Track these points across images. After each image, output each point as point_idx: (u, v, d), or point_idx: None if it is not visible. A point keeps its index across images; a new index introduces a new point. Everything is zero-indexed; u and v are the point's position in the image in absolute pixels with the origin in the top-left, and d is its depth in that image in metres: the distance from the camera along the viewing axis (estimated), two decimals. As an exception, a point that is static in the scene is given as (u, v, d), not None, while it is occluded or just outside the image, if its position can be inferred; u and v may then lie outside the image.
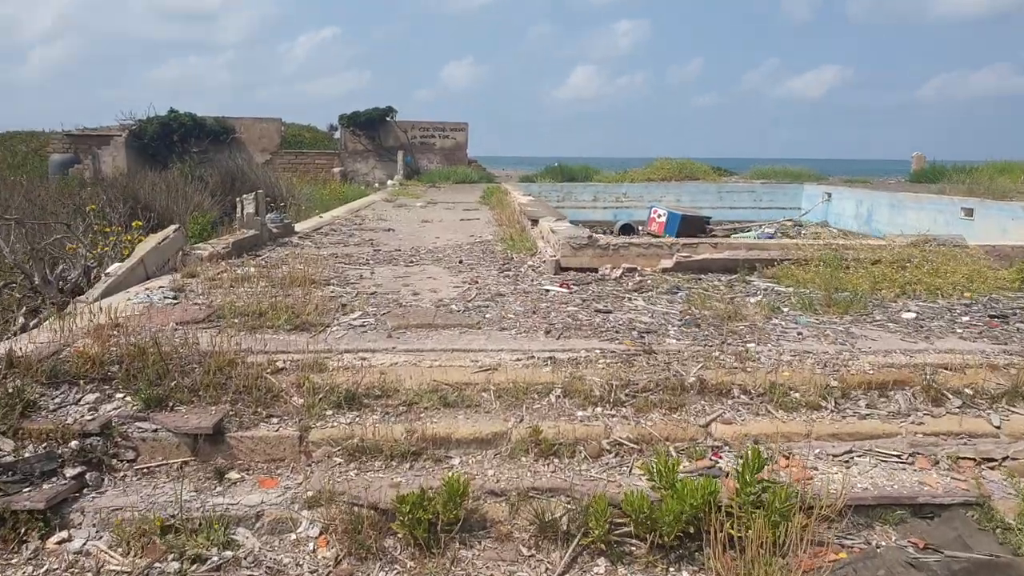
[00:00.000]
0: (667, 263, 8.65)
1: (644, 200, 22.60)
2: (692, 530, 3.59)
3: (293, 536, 3.87)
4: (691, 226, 17.96)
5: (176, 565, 3.65)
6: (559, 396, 4.80)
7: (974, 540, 3.56)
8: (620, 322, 6.25)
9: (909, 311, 6.65)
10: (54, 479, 4.15)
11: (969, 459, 4.26)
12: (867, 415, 4.65)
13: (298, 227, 13.19)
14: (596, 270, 8.74)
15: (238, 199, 11.61)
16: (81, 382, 4.90)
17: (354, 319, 6.33)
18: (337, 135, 36.36)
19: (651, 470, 3.77)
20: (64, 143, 33.35)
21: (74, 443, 4.37)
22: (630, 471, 4.18)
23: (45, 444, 4.35)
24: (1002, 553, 3.51)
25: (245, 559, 3.71)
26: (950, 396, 4.81)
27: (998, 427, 4.57)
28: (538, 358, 5.25)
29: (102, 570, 3.66)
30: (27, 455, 4.23)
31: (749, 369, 5.04)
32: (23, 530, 3.83)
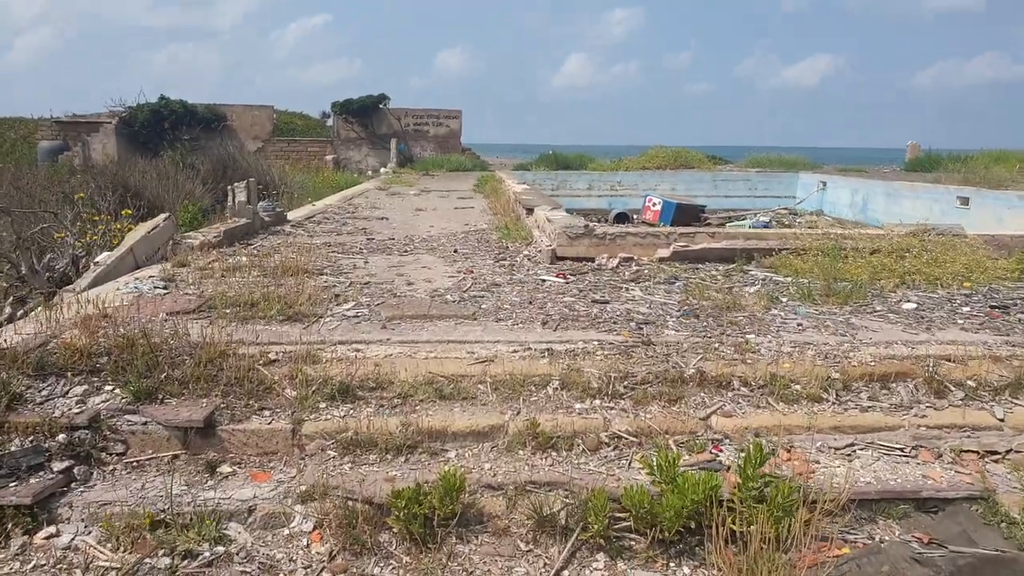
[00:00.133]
0: (664, 252, 8.58)
1: (639, 188, 22.54)
2: (693, 525, 3.53)
3: (286, 531, 3.80)
4: (686, 215, 17.92)
5: (167, 561, 3.58)
6: (557, 388, 4.73)
7: (979, 535, 3.50)
8: (618, 313, 6.18)
9: (909, 301, 6.60)
10: (41, 473, 4.07)
11: (972, 452, 4.20)
12: (869, 407, 4.59)
13: (290, 215, 13.09)
14: (593, 259, 8.67)
15: (229, 187, 11.48)
16: (69, 374, 4.81)
17: (348, 309, 6.24)
18: (330, 123, 36.18)
19: (651, 464, 3.71)
20: (53, 130, 33.07)
21: (62, 437, 4.29)
22: (629, 464, 4.11)
23: (32, 438, 4.27)
24: (1008, 548, 3.46)
25: (237, 554, 3.65)
26: (952, 388, 4.75)
27: (1002, 420, 4.52)
28: (535, 350, 5.18)
29: (91, 566, 3.59)
30: (13, 449, 4.15)
31: (749, 361, 4.98)
32: (9, 525, 3.76)
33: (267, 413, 4.51)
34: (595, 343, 5.31)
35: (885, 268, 7.55)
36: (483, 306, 6.41)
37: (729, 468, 3.95)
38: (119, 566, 3.55)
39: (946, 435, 4.38)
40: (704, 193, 22.59)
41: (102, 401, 4.58)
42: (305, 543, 3.72)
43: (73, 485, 4.10)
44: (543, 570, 3.54)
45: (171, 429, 4.38)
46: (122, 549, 3.66)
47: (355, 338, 5.43)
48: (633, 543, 3.63)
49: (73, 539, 3.75)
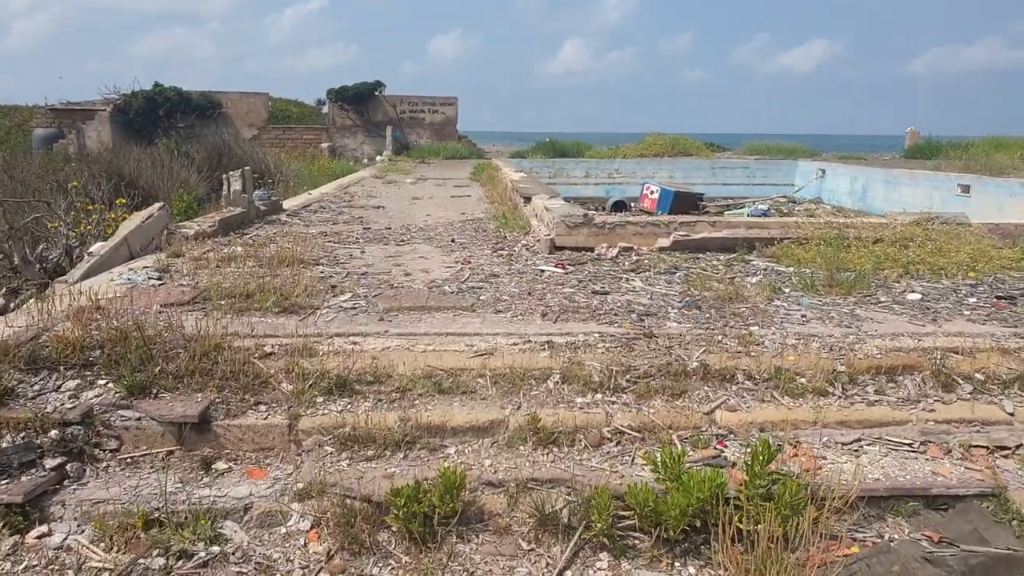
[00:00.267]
0: (664, 242, 8.50)
1: (637, 176, 22.41)
2: (698, 523, 3.46)
3: (283, 530, 3.72)
4: (684, 203, 17.81)
5: (161, 561, 3.51)
6: (557, 382, 4.65)
7: (990, 533, 3.43)
8: (618, 304, 6.10)
9: (914, 292, 6.52)
10: (33, 471, 3.99)
11: (982, 447, 4.12)
12: (876, 401, 4.51)
13: (286, 204, 12.99)
14: (592, 249, 8.58)
15: (224, 176, 11.37)
16: (61, 368, 4.73)
17: (344, 301, 6.15)
18: (325, 110, 36.00)
19: (655, 461, 3.63)
20: (48, 117, 32.84)
21: (54, 433, 4.21)
22: (632, 460, 4.04)
23: (23, 434, 4.18)
24: (1020, 547, 3.39)
25: (233, 554, 3.57)
26: (961, 381, 4.67)
27: (1011, 414, 4.44)
28: (535, 342, 5.10)
29: (83, 567, 3.52)
30: (4, 446, 4.07)
31: (753, 353, 4.90)
32: (0, 525, 3.67)
33: (263, 408, 4.44)
34: (596, 335, 5.23)
35: (888, 258, 7.46)
36: (482, 297, 6.32)
37: (735, 464, 3.87)
38: (112, 567, 3.48)
39: (955, 430, 4.31)
40: (702, 181, 22.47)
41: (95, 396, 4.50)
42: (302, 542, 3.64)
43: (66, 483, 4.02)
44: (545, 570, 3.47)
45: (165, 424, 4.30)
46: (115, 549, 3.58)
47: (352, 330, 5.35)
48: (637, 542, 3.56)
49: (66, 539, 3.67)
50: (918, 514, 3.67)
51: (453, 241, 9.48)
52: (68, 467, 4.08)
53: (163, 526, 3.66)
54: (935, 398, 4.57)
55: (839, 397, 4.55)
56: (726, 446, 4.12)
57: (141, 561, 3.49)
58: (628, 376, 4.67)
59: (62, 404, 4.40)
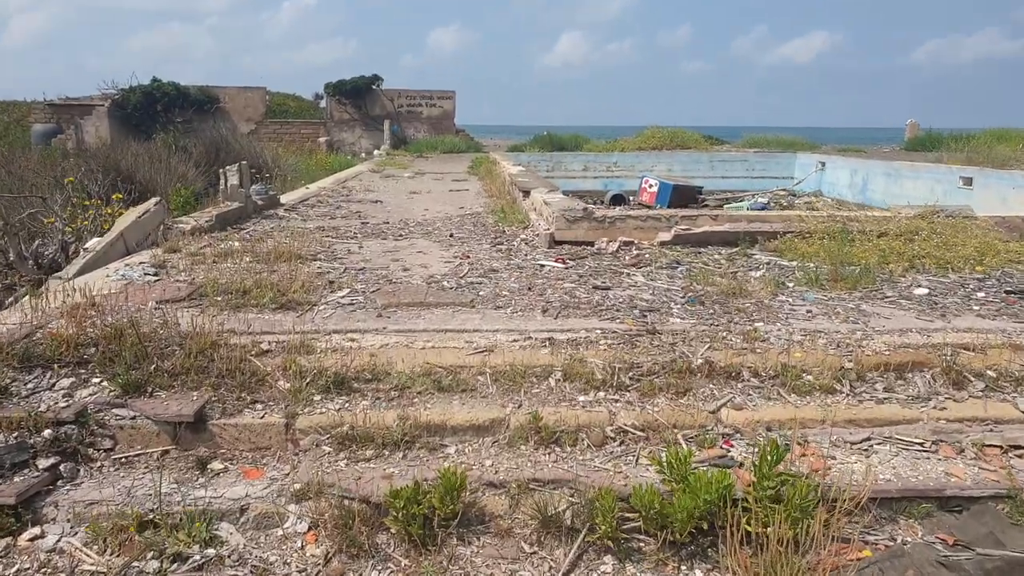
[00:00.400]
0: (665, 236, 8.41)
1: (635, 170, 22.34)
2: (705, 526, 3.37)
3: (280, 532, 3.65)
4: (683, 196, 17.75)
5: (155, 564, 3.43)
6: (559, 380, 4.57)
7: (1007, 536, 3.34)
8: (620, 299, 6.01)
9: (920, 287, 6.42)
10: (26, 471, 3.92)
11: (995, 447, 4.03)
12: (885, 399, 4.42)
13: (284, 199, 12.91)
14: (592, 243, 8.50)
15: (221, 171, 11.29)
16: (55, 366, 4.66)
17: (342, 297, 6.07)
18: (323, 104, 35.94)
19: (661, 462, 3.55)
20: (46, 113, 32.85)
21: (47, 432, 4.13)
22: (636, 460, 3.95)
23: (16, 433, 4.11)
24: (1036, 549, 3.30)
25: (229, 557, 3.49)
26: (972, 379, 4.58)
27: (1025, 412, 4.36)
28: (536, 339, 5.01)
29: (76, 570, 3.45)
30: (-4, 446, 3.98)
31: (759, 350, 4.81)
32: (-8, 527, 3.60)
33: (259, 406, 4.36)
34: (598, 332, 5.14)
35: (893, 251, 7.36)
36: (481, 293, 6.24)
37: (742, 464, 3.79)
38: (105, 570, 3.41)
39: (967, 428, 4.22)
40: (701, 174, 22.39)
41: (89, 394, 4.43)
42: (299, 545, 3.56)
43: (59, 483, 3.95)
44: (548, 574, 3.39)
45: (160, 424, 4.23)
46: (109, 552, 3.51)
47: (350, 327, 5.27)
48: (642, 545, 3.48)
49: (58, 541, 3.59)
50: (931, 516, 3.58)
51: (451, 236, 9.40)
52: (62, 467, 4.01)
53: (158, 528, 3.59)
54: (946, 396, 4.47)
55: (847, 395, 4.46)
56: (732, 445, 4.03)
57: (135, 564, 3.42)
58: (631, 374, 4.58)
59: (56, 403, 4.33)
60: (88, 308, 5.32)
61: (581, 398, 4.41)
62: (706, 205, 17.98)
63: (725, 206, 17.67)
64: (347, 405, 4.36)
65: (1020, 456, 3.99)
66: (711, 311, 5.66)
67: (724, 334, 5.09)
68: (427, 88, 35.86)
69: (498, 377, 4.58)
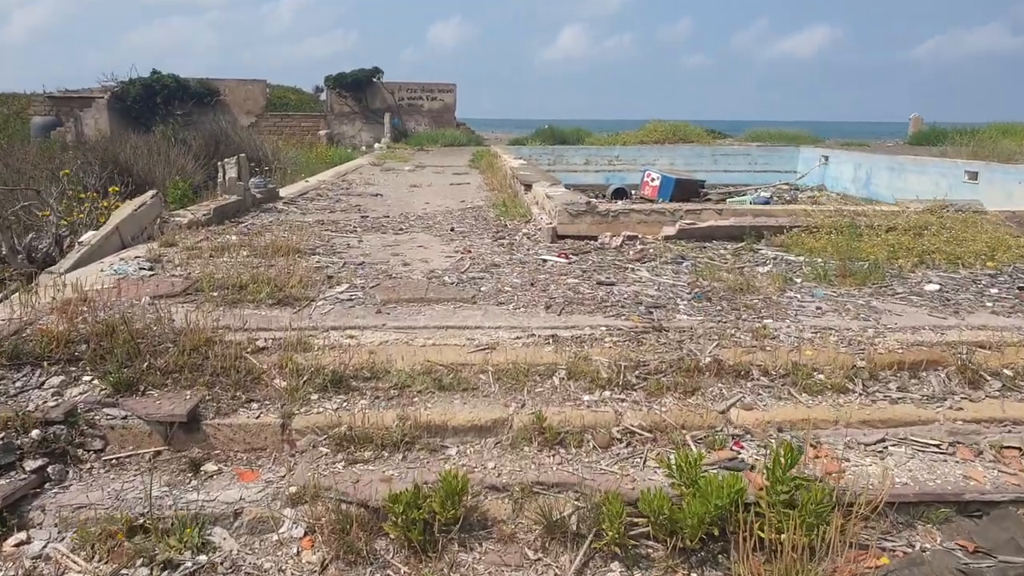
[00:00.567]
0: (670, 230, 8.27)
1: (637, 163, 22.17)
2: (716, 532, 3.24)
3: (275, 537, 3.52)
4: (685, 190, 17.60)
5: (145, 572, 3.31)
6: (563, 378, 4.44)
7: (1029, 543, 3.22)
8: (625, 295, 5.87)
9: (931, 282, 6.28)
10: (12, 473, 3.79)
11: (1015, 448, 3.89)
12: (899, 399, 4.28)
13: (283, 192, 12.79)
14: (595, 238, 8.36)
15: (220, 163, 11.16)
16: (45, 364, 4.54)
17: (341, 292, 5.94)
18: (323, 97, 35.81)
19: (670, 464, 3.42)
20: (46, 105, 32.74)
21: (35, 432, 4.00)
22: (644, 463, 3.82)
23: (3, 434, 3.97)
24: (1059, 557, 3.18)
25: (222, 564, 3.37)
26: (988, 378, 4.44)
27: (1044, 413, 4.21)
28: (539, 336, 4.88)
29: (63, 577, 3.32)
30: (-18, 447, 3.86)
31: (768, 348, 4.68)
32: (-25, 531, 3.48)
33: (255, 406, 4.23)
34: (603, 329, 5.01)
35: (902, 247, 7.23)
36: (483, 288, 6.10)
37: (753, 467, 3.66)
38: (93, 578, 3.28)
39: (985, 430, 4.07)
40: (704, 168, 22.22)
41: (80, 393, 4.31)
42: (295, 551, 3.44)
43: (47, 486, 3.82)
44: (553, 581, 3.27)
45: (152, 424, 4.11)
46: (97, 558, 3.38)
47: (348, 323, 5.14)
48: (651, 551, 3.35)
49: (45, 547, 3.47)
50: (950, 521, 3.45)
51: (452, 230, 9.27)
52: (49, 469, 3.89)
53: (148, 533, 3.46)
54: (962, 395, 4.33)
55: (860, 394, 4.32)
56: (743, 447, 3.90)
57: (124, 572, 3.30)
58: (638, 372, 4.45)
59: (45, 402, 4.21)
60: (80, 303, 5.19)
61: (586, 397, 4.28)
62: (708, 199, 17.83)
63: (728, 200, 17.53)
64: (345, 404, 4.24)
65: (1041, 459, 3.87)
66: (718, 307, 5.52)
67: (732, 331, 4.96)
68: (428, 81, 35.73)
69: (500, 375, 4.46)
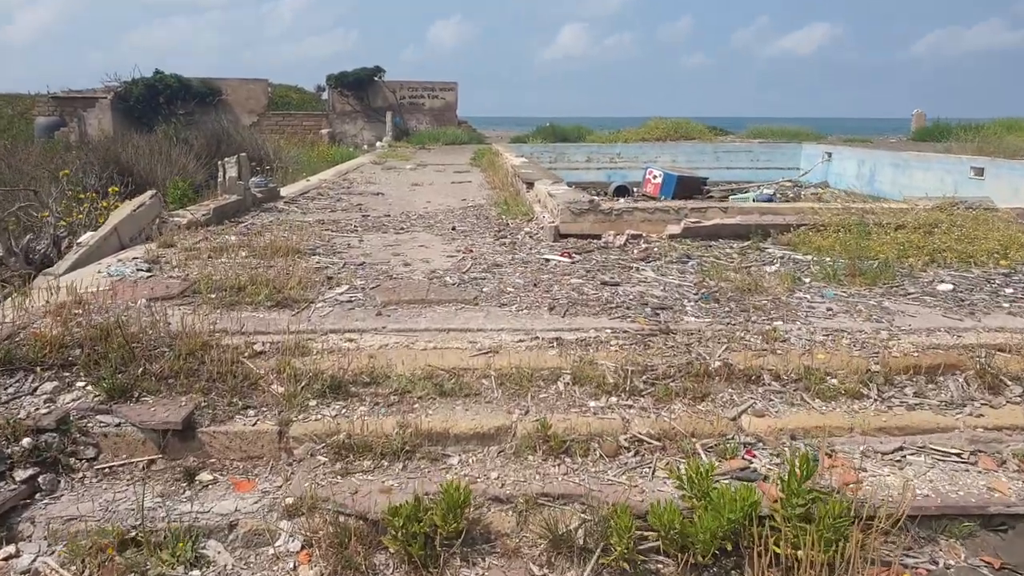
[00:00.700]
0: (675, 229, 8.14)
1: (639, 161, 22.05)
2: (729, 547, 3.11)
3: (271, 551, 3.40)
4: (687, 187, 17.49)
5: (136, 587, 3.19)
6: (568, 383, 4.31)
7: (1057, 558, 3.08)
8: (630, 296, 5.74)
9: (943, 282, 6.13)
10: (2, 484, 3.68)
11: (1039, 457, 3.75)
12: (916, 405, 4.14)
13: (284, 191, 12.68)
14: (598, 237, 8.23)
15: (220, 163, 11.05)
16: (38, 369, 4.44)
17: (340, 294, 5.82)
18: (325, 96, 35.74)
19: (680, 476, 3.29)
20: (50, 106, 32.78)
21: (26, 440, 3.90)
22: (653, 473, 3.68)
23: (-7, 443, 3.86)
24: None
25: (216, 579, 3.25)
26: (1009, 383, 4.29)
27: (1068, 420, 4.06)
28: (542, 339, 4.76)
29: (51, 592, 3.20)
30: (-31, 458, 3.74)
31: (779, 351, 4.54)
32: (-38, 545, 3.37)
33: (252, 412, 4.12)
34: (608, 331, 4.88)
35: (912, 245, 7.07)
36: (484, 289, 5.98)
37: (766, 478, 3.53)
38: (82, 593, 3.16)
39: (1007, 438, 3.92)
40: (706, 165, 22.09)
41: (73, 399, 4.20)
42: (292, 565, 3.32)
43: (37, 496, 3.73)
44: (559, 597, 3.15)
45: (147, 431, 4.01)
46: (87, 573, 3.27)
47: (348, 326, 5.02)
48: (660, 567, 3.21)
49: (34, 561, 3.36)
50: (974, 536, 3.30)
51: (454, 229, 9.14)
52: (40, 479, 3.79)
53: (140, 547, 3.36)
54: (982, 401, 4.19)
55: (875, 400, 4.18)
56: (755, 456, 3.76)
57: (114, 587, 3.18)
58: (645, 377, 4.32)
59: (37, 409, 4.10)
60: (75, 307, 5.08)
61: (592, 404, 4.15)
62: (711, 196, 17.72)
63: (730, 197, 17.40)
64: (344, 411, 4.12)
65: (1067, 469, 3.72)
66: (727, 309, 5.38)
67: (742, 334, 4.82)
68: (429, 80, 35.64)
69: (503, 380, 4.33)
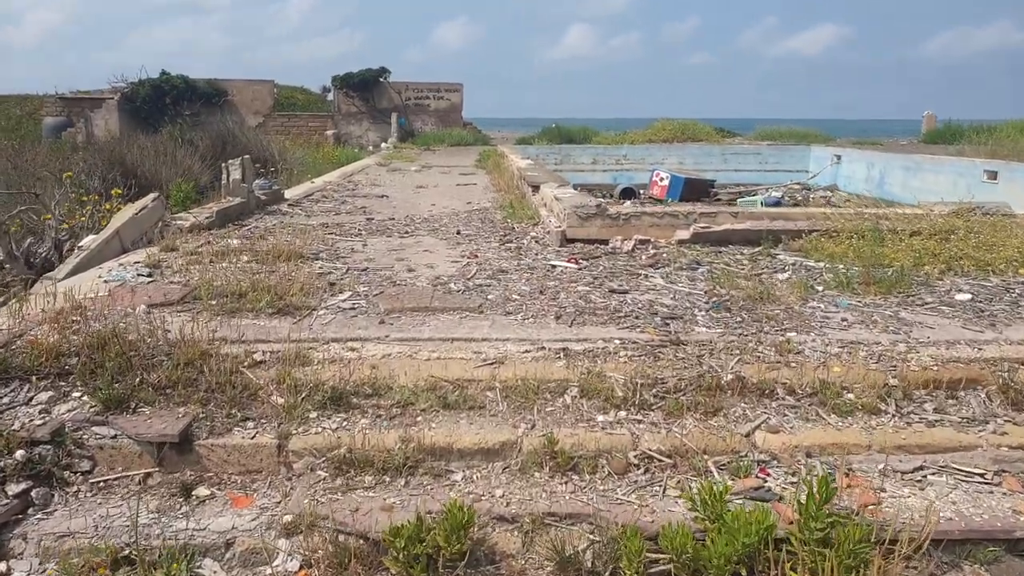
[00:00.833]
0: (684, 234, 8.01)
1: (645, 163, 21.94)
2: (744, 571, 2.98)
3: (268, 570, 3.29)
4: (695, 190, 17.37)
5: (129, 608, 3.08)
6: (575, 396, 4.19)
7: (1086, 586, 2.95)
8: (639, 304, 5.61)
9: (961, 291, 5.96)
10: (-7, 499, 3.57)
11: (1066, 479, 3.61)
12: (936, 421, 3.99)
13: (288, 193, 12.58)
14: (606, 242, 8.10)
15: (224, 165, 10.96)
16: (34, 378, 4.33)
17: (343, 300, 5.71)
18: (330, 97, 35.77)
19: (692, 496, 3.17)
20: (58, 106, 32.95)
21: (20, 453, 3.79)
22: (663, 492, 3.55)
23: (-16, 456, 3.75)
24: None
25: (211, 600, 3.14)
26: (1034, 399, 4.15)
27: (1096, 439, 3.91)
28: (549, 349, 4.63)
29: (42, 613, 3.10)
30: (-40, 472, 3.64)
31: (793, 364, 4.40)
32: (-49, 564, 3.26)
33: (251, 424, 4.01)
34: (616, 341, 4.76)
35: (928, 252, 6.89)
36: (489, 297, 5.85)
37: (781, 498, 3.40)
38: (73, 615, 3.05)
39: (1033, 458, 3.79)
40: (713, 167, 21.97)
41: (68, 411, 4.10)
42: (290, 586, 3.20)
43: (30, 511, 3.62)
44: (567, 623, 3.02)
45: (143, 444, 3.90)
46: (78, 592, 3.15)
47: (350, 335, 4.90)
48: (672, 591, 3.09)
49: (25, 579, 3.25)
50: (999, 561, 3.16)
51: (459, 233, 9.03)
52: (33, 493, 3.69)
53: (133, 565, 3.24)
54: (1005, 418, 4.04)
55: (893, 416, 4.04)
56: (769, 474, 3.63)
57: (106, 609, 3.07)
58: (655, 390, 4.19)
59: (31, 420, 4.01)
60: (72, 313, 4.98)
61: (600, 418, 4.02)
62: (719, 199, 17.58)
63: (738, 200, 17.26)
64: (345, 424, 4.00)
65: (1095, 491, 3.58)
66: (739, 319, 5.25)
67: (754, 345, 4.67)
68: (434, 81, 35.62)
69: (509, 393, 4.22)
